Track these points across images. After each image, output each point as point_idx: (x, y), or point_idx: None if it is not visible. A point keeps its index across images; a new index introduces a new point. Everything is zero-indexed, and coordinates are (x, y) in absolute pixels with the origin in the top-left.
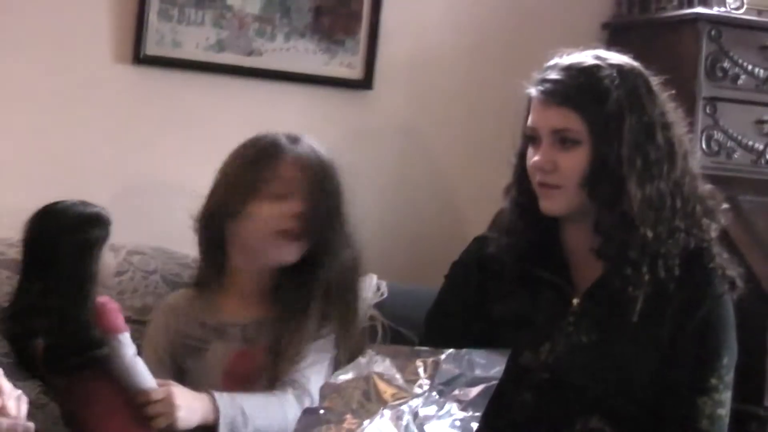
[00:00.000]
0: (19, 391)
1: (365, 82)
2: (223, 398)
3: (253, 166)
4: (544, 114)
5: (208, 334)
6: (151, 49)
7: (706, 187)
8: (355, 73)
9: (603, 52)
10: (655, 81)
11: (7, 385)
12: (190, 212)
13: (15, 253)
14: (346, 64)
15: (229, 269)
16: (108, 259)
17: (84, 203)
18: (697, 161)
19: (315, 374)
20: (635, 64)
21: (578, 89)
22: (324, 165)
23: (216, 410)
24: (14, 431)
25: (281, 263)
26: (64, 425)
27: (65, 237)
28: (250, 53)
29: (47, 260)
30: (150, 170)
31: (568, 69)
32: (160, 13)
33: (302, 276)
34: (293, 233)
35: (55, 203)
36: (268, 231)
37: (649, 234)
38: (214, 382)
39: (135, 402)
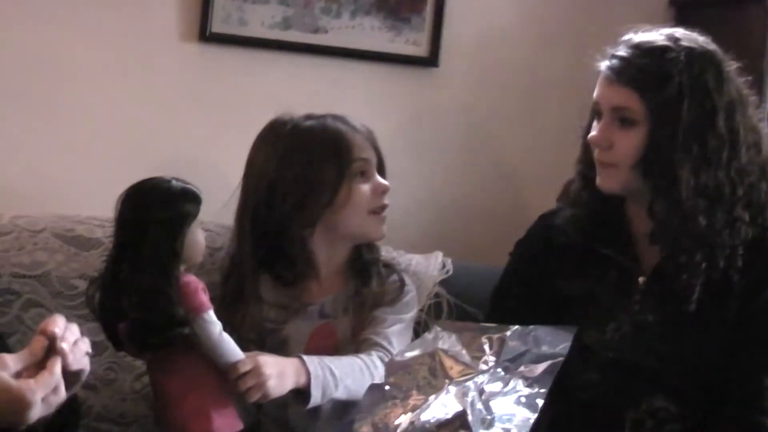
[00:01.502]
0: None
1: (431, 60)
2: (313, 361)
3: (334, 154)
4: (606, 90)
5: (288, 314)
6: (217, 26)
7: None
8: (421, 50)
9: (678, 32)
10: (729, 66)
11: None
12: None
13: (83, 229)
14: (411, 42)
15: (310, 254)
16: (199, 236)
17: (177, 179)
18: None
19: (396, 335)
20: (710, 47)
21: (641, 70)
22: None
23: (307, 373)
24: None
25: (376, 240)
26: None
27: (154, 212)
28: (315, 31)
29: (137, 235)
30: (214, 146)
31: (637, 47)
32: None
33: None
34: (385, 208)
35: (149, 179)
36: (366, 207)
37: (703, 222)
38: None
39: (216, 379)
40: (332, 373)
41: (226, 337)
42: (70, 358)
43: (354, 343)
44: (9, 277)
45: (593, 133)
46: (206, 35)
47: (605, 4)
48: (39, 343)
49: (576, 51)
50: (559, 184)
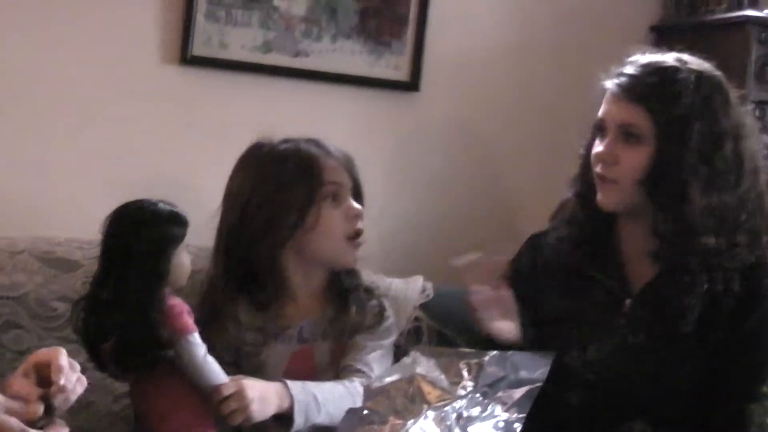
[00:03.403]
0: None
1: (412, 84)
2: (296, 386)
3: (304, 177)
4: (614, 107)
5: (265, 338)
6: (198, 49)
7: None
8: (402, 74)
9: (686, 56)
10: (733, 94)
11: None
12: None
13: (63, 251)
14: (392, 66)
15: (283, 278)
16: (184, 259)
17: (163, 202)
18: (766, 177)
19: (377, 361)
20: (717, 73)
21: (651, 87)
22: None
23: (290, 397)
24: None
25: (348, 267)
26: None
27: (140, 233)
28: (296, 54)
29: (122, 256)
30: (194, 169)
31: (646, 66)
32: (207, 14)
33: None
34: (360, 233)
35: (135, 201)
36: (340, 234)
37: (711, 243)
38: (276, 378)
39: (198, 400)
40: (315, 399)
41: (210, 359)
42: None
43: (334, 369)
44: None
45: (599, 149)
46: (187, 58)
47: (586, 26)
48: (32, 390)
49: (556, 75)
50: (545, 207)
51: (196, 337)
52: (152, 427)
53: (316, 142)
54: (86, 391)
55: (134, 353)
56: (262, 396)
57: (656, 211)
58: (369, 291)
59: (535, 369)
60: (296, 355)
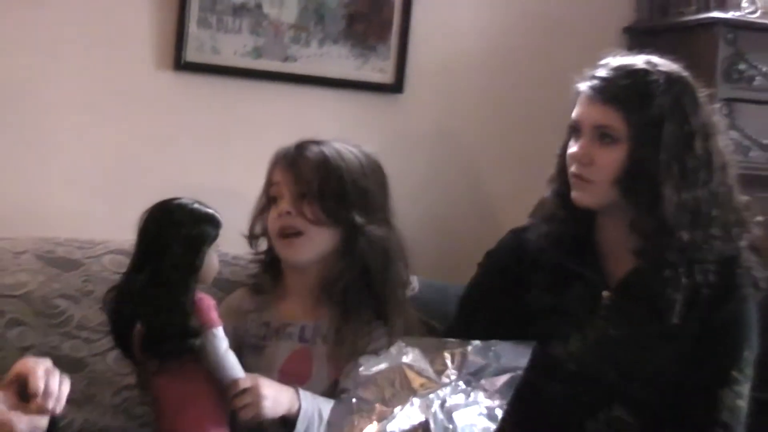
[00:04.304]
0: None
1: (396, 86)
2: (307, 396)
3: (266, 178)
4: (588, 109)
5: (269, 332)
6: (191, 55)
7: (741, 199)
8: (387, 77)
9: (655, 58)
10: (701, 93)
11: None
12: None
13: (63, 251)
14: (377, 69)
15: (282, 273)
16: (214, 258)
17: (199, 202)
18: (734, 172)
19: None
20: (685, 74)
21: (624, 89)
22: (318, 162)
23: (299, 404)
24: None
25: (302, 260)
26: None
27: (179, 229)
28: (285, 59)
29: (159, 249)
30: (189, 172)
31: (618, 69)
32: (199, 21)
33: (349, 268)
34: (285, 231)
35: (174, 199)
36: (274, 236)
37: (686, 238)
38: (270, 378)
39: (213, 397)
40: (320, 413)
41: (230, 354)
42: (58, 409)
43: (328, 376)
44: None
45: (574, 149)
46: (181, 64)
47: (563, 30)
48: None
49: (534, 77)
50: (524, 204)
51: (220, 331)
52: (169, 416)
53: (301, 145)
54: (88, 385)
55: (165, 340)
56: (275, 395)
57: (633, 209)
58: (387, 318)
59: (517, 357)
60: (295, 353)
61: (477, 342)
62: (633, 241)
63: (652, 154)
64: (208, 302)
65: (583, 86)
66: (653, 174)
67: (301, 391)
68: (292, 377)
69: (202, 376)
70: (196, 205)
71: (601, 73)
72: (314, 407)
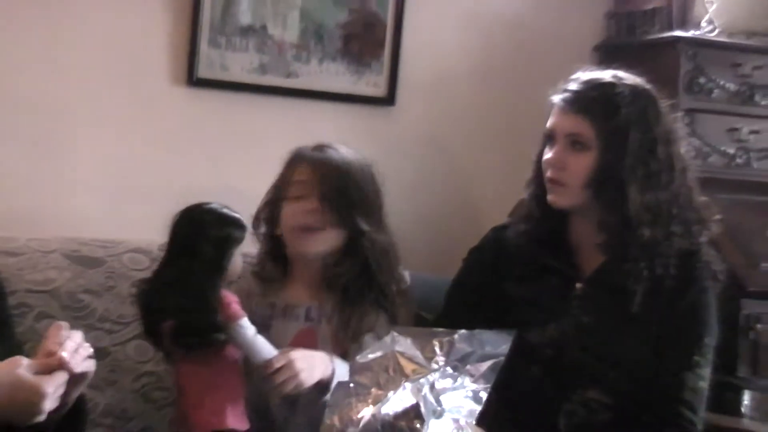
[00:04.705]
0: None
1: (389, 100)
2: (337, 359)
3: (281, 174)
4: (561, 118)
5: (275, 312)
6: (202, 72)
7: (701, 200)
8: (380, 91)
9: (621, 73)
10: (664, 103)
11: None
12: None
13: (87, 250)
14: (371, 84)
15: (289, 260)
16: (239, 259)
17: (227, 207)
18: (694, 175)
19: None
20: (648, 86)
21: (593, 101)
22: (340, 167)
23: (332, 366)
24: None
25: (315, 253)
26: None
27: (209, 232)
28: (288, 75)
29: (189, 249)
30: (201, 178)
31: (588, 82)
32: (210, 41)
33: (352, 266)
34: (310, 227)
35: (204, 203)
36: (292, 226)
37: (647, 234)
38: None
39: (233, 381)
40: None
41: (260, 338)
42: (71, 364)
43: (333, 349)
44: (24, 293)
45: (549, 155)
46: (193, 80)
47: (538, 47)
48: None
49: (513, 89)
50: (504, 205)
51: (246, 321)
52: (191, 401)
53: (319, 146)
54: (110, 371)
55: (193, 335)
56: (309, 365)
57: (601, 209)
58: (392, 303)
59: (499, 345)
60: (302, 332)
61: (463, 331)
62: (600, 237)
63: (619, 159)
64: (231, 298)
65: (557, 98)
66: (620, 177)
67: (333, 356)
68: None
69: (223, 365)
70: (224, 210)
71: (573, 86)
72: (345, 369)
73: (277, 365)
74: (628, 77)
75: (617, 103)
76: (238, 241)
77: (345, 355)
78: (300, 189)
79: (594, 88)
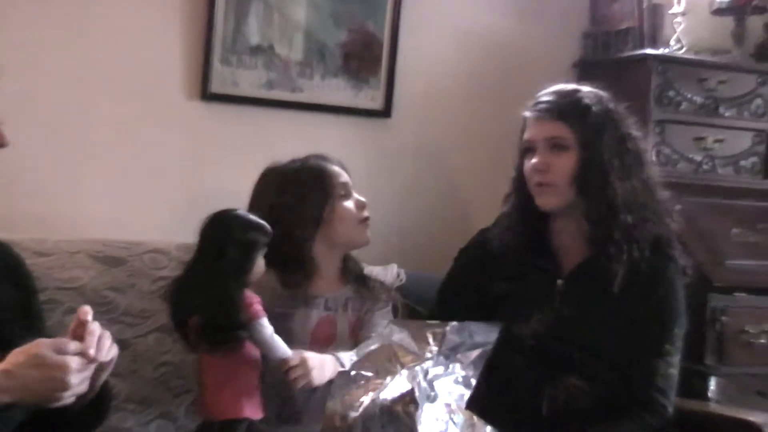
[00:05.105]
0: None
1: (385, 112)
2: (345, 358)
3: (318, 183)
4: (539, 127)
5: (296, 303)
6: (215, 87)
7: (663, 193)
8: (377, 104)
9: (582, 86)
10: (621, 107)
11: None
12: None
13: (110, 251)
14: (369, 98)
15: (309, 258)
16: (261, 262)
17: (251, 214)
18: (655, 171)
19: None
20: (606, 93)
21: (566, 106)
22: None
23: (341, 367)
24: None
25: (364, 245)
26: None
27: (235, 236)
28: (293, 90)
29: (216, 252)
30: (214, 183)
31: (557, 93)
32: (222, 59)
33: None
34: (368, 218)
35: (231, 209)
36: (356, 221)
37: (628, 219)
38: (302, 341)
39: (249, 374)
40: None
41: (277, 337)
42: (100, 354)
43: (351, 339)
44: (53, 289)
45: (533, 161)
46: (207, 94)
47: (522, 65)
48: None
49: (500, 102)
50: (491, 210)
51: (265, 321)
52: (211, 391)
53: (321, 156)
54: (132, 361)
55: (218, 330)
56: (320, 364)
57: (587, 202)
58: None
59: (487, 336)
60: (322, 320)
61: (454, 323)
62: (587, 229)
63: (597, 154)
64: (253, 299)
65: (530, 112)
66: (600, 170)
67: (341, 356)
68: (322, 340)
69: (242, 359)
70: (250, 216)
71: (546, 98)
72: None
73: (293, 363)
74: (588, 87)
75: (587, 106)
76: (262, 245)
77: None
78: (345, 188)
79: (564, 96)
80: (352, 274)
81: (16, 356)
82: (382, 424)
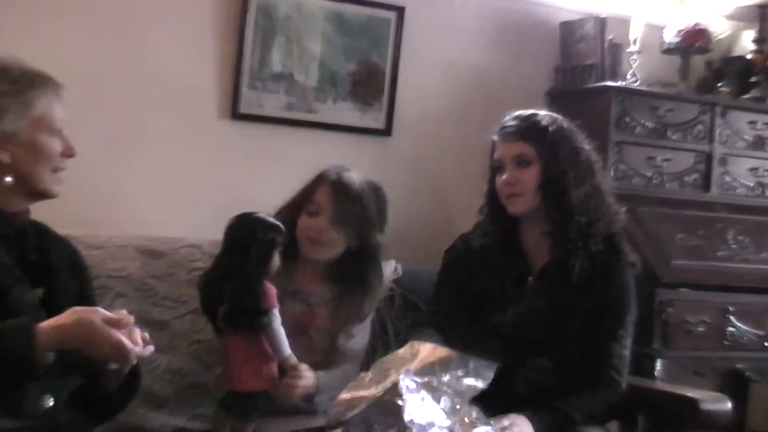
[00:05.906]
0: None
1: (387, 131)
2: (323, 377)
3: (305, 188)
4: (506, 147)
5: (285, 293)
6: (243, 108)
7: (611, 198)
8: (380, 124)
9: (538, 111)
10: (573, 125)
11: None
12: None
13: (153, 245)
14: (373, 119)
15: (299, 257)
16: (277, 258)
17: (270, 216)
18: (606, 179)
19: (360, 345)
20: (560, 115)
21: (527, 128)
22: (354, 194)
23: (317, 380)
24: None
25: (317, 259)
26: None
27: (259, 235)
28: (310, 111)
29: (241, 249)
30: (242, 190)
31: (518, 117)
32: (249, 85)
33: (350, 267)
34: (317, 240)
35: (253, 212)
36: (303, 236)
37: (583, 220)
38: (289, 326)
39: (265, 355)
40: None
41: (282, 330)
42: (143, 351)
43: (326, 335)
44: (105, 278)
45: (504, 177)
46: (236, 114)
47: (501, 93)
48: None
49: (484, 124)
50: (473, 211)
51: (277, 311)
52: (233, 369)
53: (340, 171)
54: (170, 338)
55: (243, 316)
56: (305, 387)
57: (548, 207)
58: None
59: (486, 375)
60: (304, 311)
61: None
62: (549, 228)
63: (556, 165)
64: (271, 289)
65: (497, 135)
66: (559, 179)
67: (320, 374)
68: (301, 328)
69: (260, 342)
70: (270, 219)
71: (509, 123)
72: (327, 383)
73: (292, 362)
74: (543, 111)
75: (544, 126)
76: (280, 243)
77: (336, 336)
78: (317, 207)
79: (524, 120)
80: (336, 275)
81: (69, 315)
82: (374, 414)
